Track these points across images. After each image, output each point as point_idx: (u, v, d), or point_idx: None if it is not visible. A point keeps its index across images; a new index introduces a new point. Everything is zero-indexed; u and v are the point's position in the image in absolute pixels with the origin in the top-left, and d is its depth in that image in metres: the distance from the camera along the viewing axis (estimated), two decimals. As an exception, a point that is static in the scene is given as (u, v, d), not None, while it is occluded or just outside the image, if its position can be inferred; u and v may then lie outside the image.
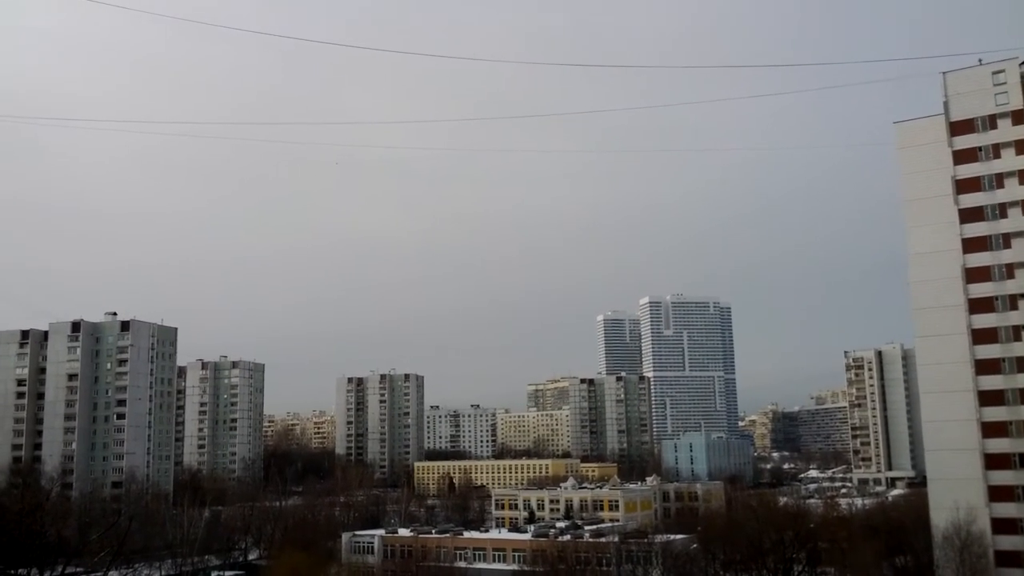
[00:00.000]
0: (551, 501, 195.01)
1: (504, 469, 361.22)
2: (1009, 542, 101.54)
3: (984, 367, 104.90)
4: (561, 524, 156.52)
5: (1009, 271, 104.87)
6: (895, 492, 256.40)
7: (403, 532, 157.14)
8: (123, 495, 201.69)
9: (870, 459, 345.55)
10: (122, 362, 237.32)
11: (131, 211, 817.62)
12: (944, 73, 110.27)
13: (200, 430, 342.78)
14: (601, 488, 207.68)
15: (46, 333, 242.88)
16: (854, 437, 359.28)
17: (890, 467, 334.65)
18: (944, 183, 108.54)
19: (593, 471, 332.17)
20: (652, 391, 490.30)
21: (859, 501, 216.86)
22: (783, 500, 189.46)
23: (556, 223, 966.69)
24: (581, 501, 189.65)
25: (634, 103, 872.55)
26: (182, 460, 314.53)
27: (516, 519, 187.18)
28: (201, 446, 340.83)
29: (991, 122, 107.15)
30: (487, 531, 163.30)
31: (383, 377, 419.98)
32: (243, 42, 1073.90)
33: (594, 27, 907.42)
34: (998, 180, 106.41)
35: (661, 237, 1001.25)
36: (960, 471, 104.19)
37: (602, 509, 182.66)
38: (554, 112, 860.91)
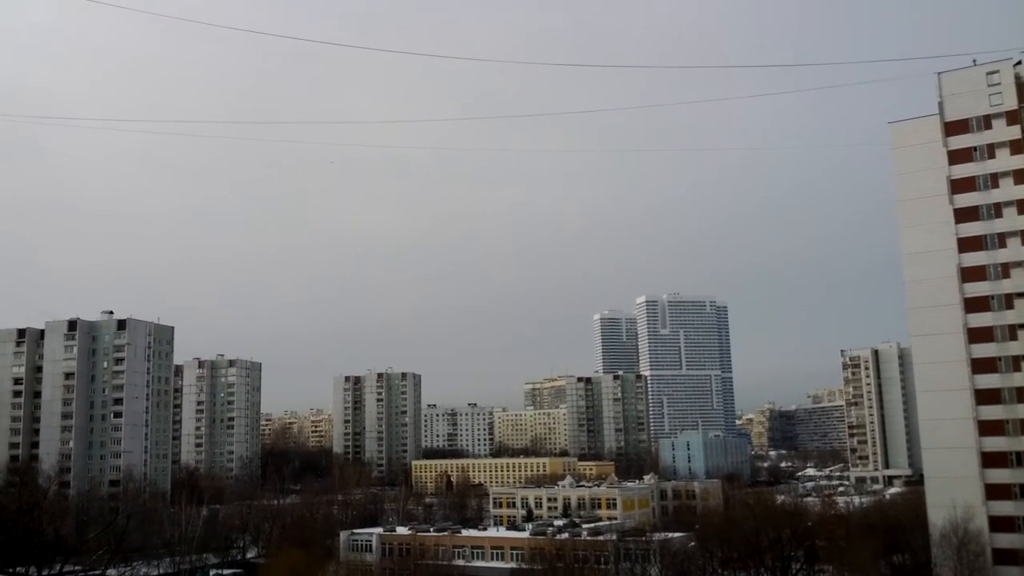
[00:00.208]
0: (549, 499, 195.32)
1: (502, 468, 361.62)
2: (1006, 540, 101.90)
3: (980, 366, 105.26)
4: (559, 522, 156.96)
5: (1004, 270, 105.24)
6: (892, 490, 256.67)
7: (401, 530, 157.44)
8: (121, 494, 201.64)
9: (867, 457, 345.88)
10: (119, 361, 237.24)
11: (127, 209, 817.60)
12: (939, 74, 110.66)
13: (197, 429, 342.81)
14: (599, 486, 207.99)
15: (42, 332, 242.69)
16: (851, 435, 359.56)
17: (887, 465, 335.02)
18: (939, 183, 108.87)
19: (591, 469, 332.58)
20: (649, 390, 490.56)
21: (856, 499, 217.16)
22: (780, 498, 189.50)
23: (554, 222, 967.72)
24: (579, 499, 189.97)
25: (633, 103, 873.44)
26: (179, 459, 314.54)
27: (514, 517, 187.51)
28: (198, 445, 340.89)
29: (986, 122, 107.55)
30: (485, 529, 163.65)
31: (380, 376, 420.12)
32: (238, 41, 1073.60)
33: (593, 27, 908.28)
34: (993, 180, 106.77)
35: (659, 236, 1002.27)
36: (957, 469, 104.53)
37: (600, 507, 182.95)
38: (552, 112, 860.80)
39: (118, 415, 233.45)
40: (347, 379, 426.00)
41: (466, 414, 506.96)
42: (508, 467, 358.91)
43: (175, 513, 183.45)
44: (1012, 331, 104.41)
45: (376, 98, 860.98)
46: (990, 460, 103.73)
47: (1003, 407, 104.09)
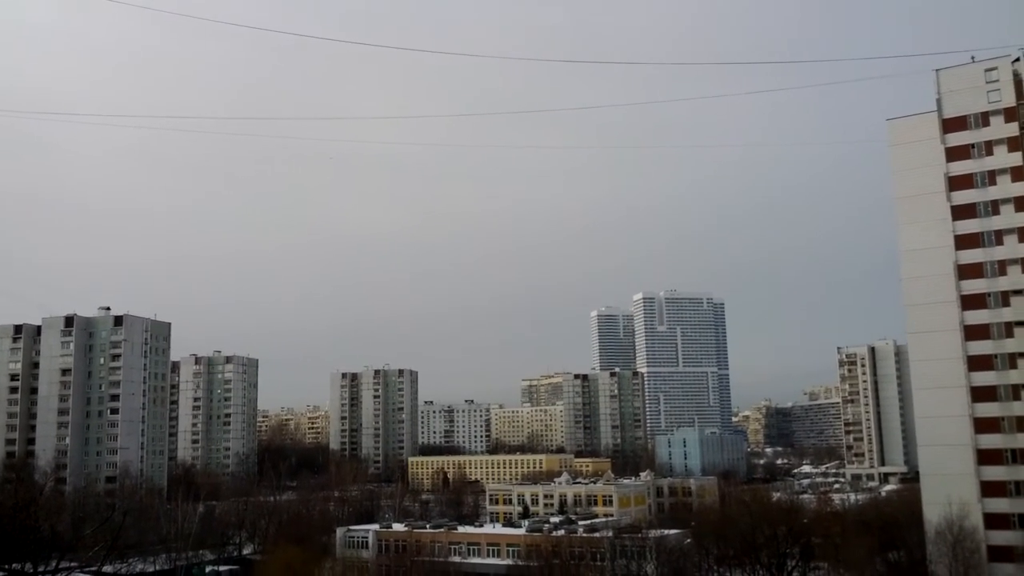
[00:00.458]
0: (545, 496, 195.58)
1: (498, 464, 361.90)
2: (1001, 537, 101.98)
3: (976, 363, 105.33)
4: (555, 519, 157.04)
5: (1001, 267, 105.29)
6: (888, 487, 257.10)
7: (397, 527, 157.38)
8: (117, 490, 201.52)
9: (863, 455, 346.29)
10: (115, 357, 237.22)
11: (125, 206, 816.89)
12: (937, 70, 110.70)
13: (194, 425, 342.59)
14: (595, 483, 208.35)
15: (39, 328, 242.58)
16: (847, 433, 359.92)
17: (883, 462, 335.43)
18: (936, 180, 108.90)
19: (587, 466, 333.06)
20: (646, 387, 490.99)
21: (852, 496, 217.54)
22: (776, 495, 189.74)
23: (552, 220, 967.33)
24: (575, 496, 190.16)
25: (631, 100, 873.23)
26: (176, 455, 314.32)
27: (510, 514, 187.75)
28: (195, 441, 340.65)
29: (984, 119, 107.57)
30: (481, 526, 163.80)
31: (377, 372, 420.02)
32: (237, 38, 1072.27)
33: (592, 24, 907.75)
34: (990, 177, 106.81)
35: (656, 234, 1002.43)
36: (953, 467, 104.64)
37: (596, 504, 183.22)
38: (550, 108, 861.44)
39: (114, 411, 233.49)
40: (344, 376, 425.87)
41: (463, 411, 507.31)
42: (505, 464, 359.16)
43: (171, 509, 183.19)
44: (1008, 328, 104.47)
45: (375, 95, 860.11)
46: (985, 457, 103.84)
47: (999, 404, 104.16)
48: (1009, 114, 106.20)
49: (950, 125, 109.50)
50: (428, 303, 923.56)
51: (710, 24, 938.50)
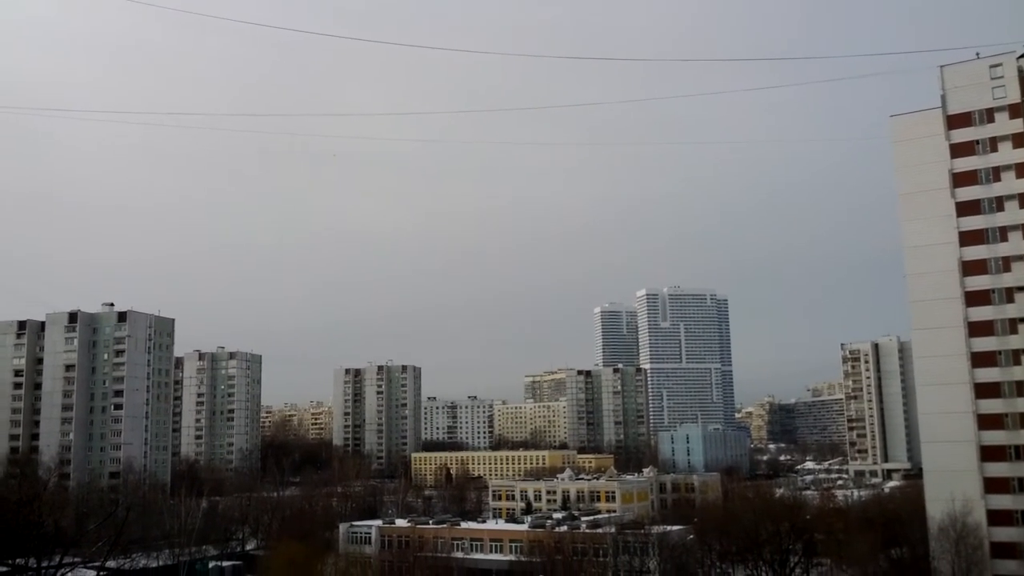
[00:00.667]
0: (548, 492, 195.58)
1: (501, 460, 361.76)
2: (1004, 534, 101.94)
3: (980, 360, 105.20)
4: (558, 515, 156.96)
5: (1006, 264, 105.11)
6: (891, 484, 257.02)
7: (400, 523, 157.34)
8: (120, 485, 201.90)
9: (866, 451, 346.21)
10: (119, 353, 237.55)
11: (128, 202, 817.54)
12: (941, 67, 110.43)
13: (197, 421, 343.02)
14: (598, 479, 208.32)
15: (43, 324, 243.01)
16: (850, 429, 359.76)
17: (886, 459, 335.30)
18: (940, 176, 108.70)
19: (590, 462, 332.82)
20: (649, 383, 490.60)
21: (855, 493, 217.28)
22: (779, 492, 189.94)
23: (554, 216, 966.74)
24: (578, 492, 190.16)
25: (632, 97, 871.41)
26: (179, 451, 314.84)
27: (513, 510, 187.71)
28: (198, 437, 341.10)
29: (988, 116, 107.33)
30: (484, 522, 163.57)
31: (380, 368, 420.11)
32: (238, 34, 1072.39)
33: (594, 21, 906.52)
34: (995, 173, 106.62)
35: (660, 230, 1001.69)
36: (956, 463, 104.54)
37: (599, 500, 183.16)
38: (551, 105, 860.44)
39: (118, 407, 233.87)
40: (347, 371, 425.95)
41: (466, 407, 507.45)
42: (507, 460, 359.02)
43: (175, 505, 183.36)
44: (1012, 325, 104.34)
45: (376, 92, 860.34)
46: (989, 454, 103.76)
47: (1003, 401, 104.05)
48: (1014, 110, 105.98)
49: (954, 121, 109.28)
50: (431, 299, 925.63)
51: (711, 21, 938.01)
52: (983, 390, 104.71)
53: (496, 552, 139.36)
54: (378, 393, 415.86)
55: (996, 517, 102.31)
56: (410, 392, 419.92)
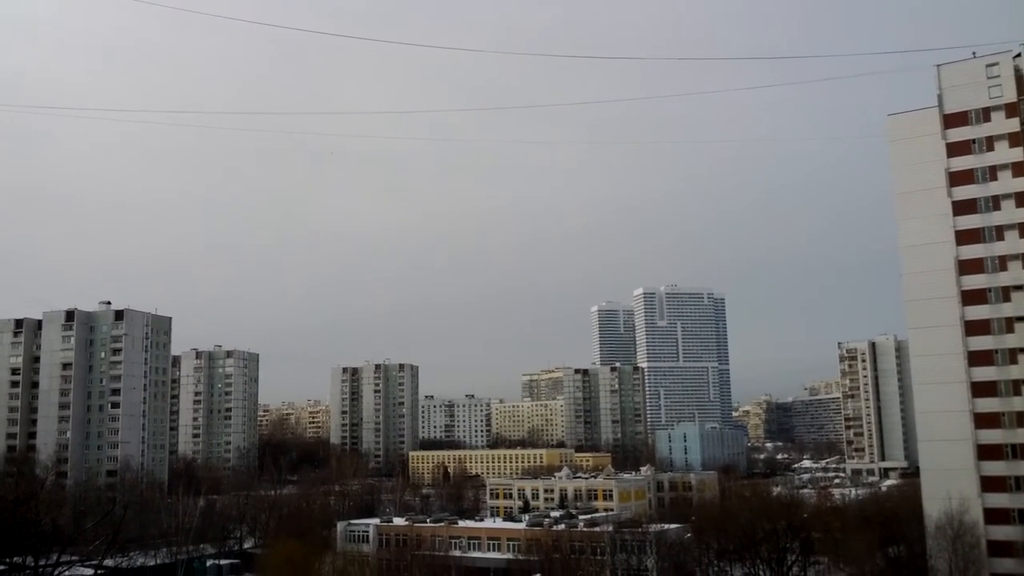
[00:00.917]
0: (546, 491, 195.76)
1: (499, 459, 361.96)
2: (1001, 532, 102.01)
3: (977, 358, 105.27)
4: (555, 513, 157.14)
5: (1002, 263, 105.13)
6: (888, 482, 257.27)
7: (398, 521, 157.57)
8: (118, 484, 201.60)
9: (863, 449, 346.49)
10: (116, 351, 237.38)
11: (125, 200, 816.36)
12: (938, 66, 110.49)
13: (195, 419, 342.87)
14: (595, 478, 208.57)
15: (40, 322, 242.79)
16: (847, 428, 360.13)
17: (883, 457, 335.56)
18: (937, 175, 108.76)
19: (587, 461, 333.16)
20: (646, 381, 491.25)
21: (852, 491, 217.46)
22: (777, 490, 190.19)
23: (552, 215, 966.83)
24: (575, 491, 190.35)
25: (631, 95, 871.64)
26: (177, 449, 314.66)
27: (511, 508, 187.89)
28: (196, 435, 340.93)
29: (985, 115, 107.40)
30: (482, 520, 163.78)
31: (378, 367, 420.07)
32: (236, 32, 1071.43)
33: (592, 20, 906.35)
34: (991, 172, 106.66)
35: (657, 229, 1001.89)
36: (953, 462, 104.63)
37: (596, 499, 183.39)
38: (551, 104, 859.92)
39: (115, 405, 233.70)
40: (345, 370, 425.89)
41: (463, 405, 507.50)
42: (505, 458, 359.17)
43: (172, 503, 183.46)
44: (1009, 324, 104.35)
45: (375, 91, 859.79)
46: (986, 453, 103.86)
47: (999, 400, 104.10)
48: (1010, 109, 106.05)
49: (951, 120, 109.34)
50: (429, 298, 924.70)
51: (708, 21, 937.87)
52: (980, 389, 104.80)
53: (494, 550, 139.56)
54: (376, 392, 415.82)
55: (993, 515, 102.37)
56: (407, 391, 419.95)
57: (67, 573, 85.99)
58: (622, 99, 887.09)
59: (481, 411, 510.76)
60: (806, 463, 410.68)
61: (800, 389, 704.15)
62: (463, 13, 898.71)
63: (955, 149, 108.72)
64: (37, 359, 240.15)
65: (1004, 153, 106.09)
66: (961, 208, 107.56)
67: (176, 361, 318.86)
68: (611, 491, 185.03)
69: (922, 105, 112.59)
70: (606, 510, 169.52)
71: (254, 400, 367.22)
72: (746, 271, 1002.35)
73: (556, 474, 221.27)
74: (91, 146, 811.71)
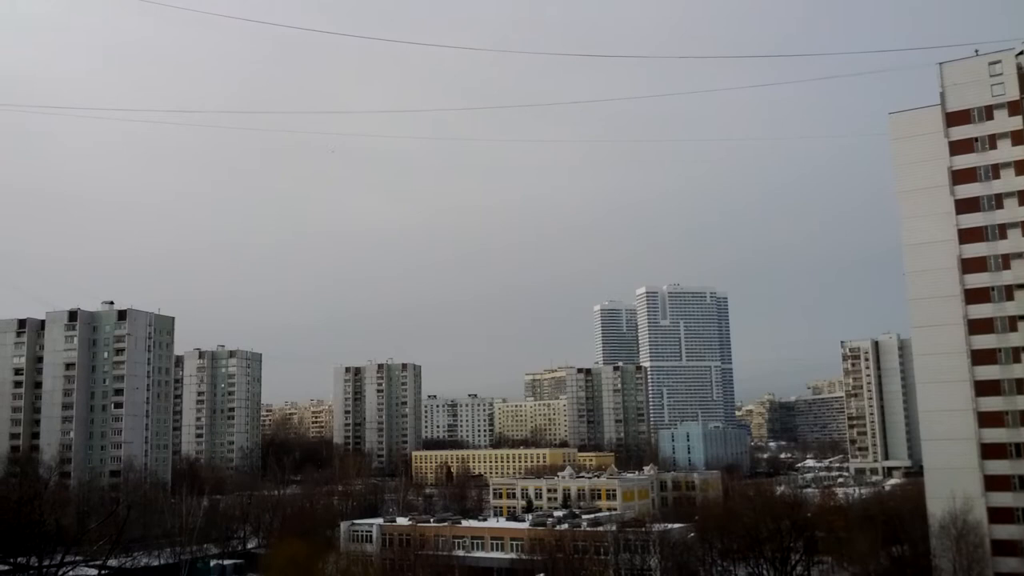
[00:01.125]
0: (549, 490, 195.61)
1: (502, 458, 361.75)
2: (1005, 531, 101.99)
3: (980, 357, 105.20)
4: (559, 513, 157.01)
5: (1005, 261, 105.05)
6: (892, 481, 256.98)
7: (401, 521, 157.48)
8: (121, 484, 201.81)
9: (867, 449, 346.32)
10: (119, 351, 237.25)
11: (127, 199, 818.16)
12: (940, 64, 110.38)
13: (198, 419, 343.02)
14: (598, 477, 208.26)
15: (43, 322, 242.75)
16: (851, 427, 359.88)
17: (887, 456, 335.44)
18: (940, 174, 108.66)
19: (590, 460, 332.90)
20: (649, 381, 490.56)
21: (856, 490, 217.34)
22: (780, 489, 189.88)
23: (554, 213, 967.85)
24: (579, 490, 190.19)
25: (633, 93, 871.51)
26: (180, 449, 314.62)
27: (514, 508, 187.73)
28: (199, 435, 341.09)
29: (987, 113, 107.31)
30: (485, 520, 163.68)
31: (380, 367, 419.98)
32: (236, 30, 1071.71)
33: (594, 18, 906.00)
34: (994, 171, 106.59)
35: (659, 228, 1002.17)
36: (956, 461, 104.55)
37: (599, 498, 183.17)
38: (551, 102, 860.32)
39: (119, 406, 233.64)
40: (347, 370, 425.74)
41: (466, 405, 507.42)
42: (508, 458, 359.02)
43: (176, 504, 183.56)
44: (1012, 322, 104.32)
45: (379, 89, 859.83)
46: (989, 451, 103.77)
47: (1003, 399, 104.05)
48: (1013, 107, 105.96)
49: (953, 119, 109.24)
50: (431, 297, 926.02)
51: (708, 19, 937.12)
52: (983, 388, 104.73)
53: (497, 550, 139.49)
54: (378, 391, 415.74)
55: (997, 515, 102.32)
56: (410, 390, 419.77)
57: (71, 573, 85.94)
58: (624, 97, 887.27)
59: (484, 410, 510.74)
60: (809, 462, 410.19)
61: (803, 388, 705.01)
62: (463, 11, 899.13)
63: (958, 147, 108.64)
64: (40, 359, 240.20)
65: (1007, 151, 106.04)
66: (964, 206, 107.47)
67: (179, 361, 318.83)
68: (614, 491, 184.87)
69: (922, 103, 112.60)
70: (609, 510, 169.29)
71: (257, 400, 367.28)
72: (749, 269, 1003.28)
73: (559, 474, 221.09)
74: (93, 146, 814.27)
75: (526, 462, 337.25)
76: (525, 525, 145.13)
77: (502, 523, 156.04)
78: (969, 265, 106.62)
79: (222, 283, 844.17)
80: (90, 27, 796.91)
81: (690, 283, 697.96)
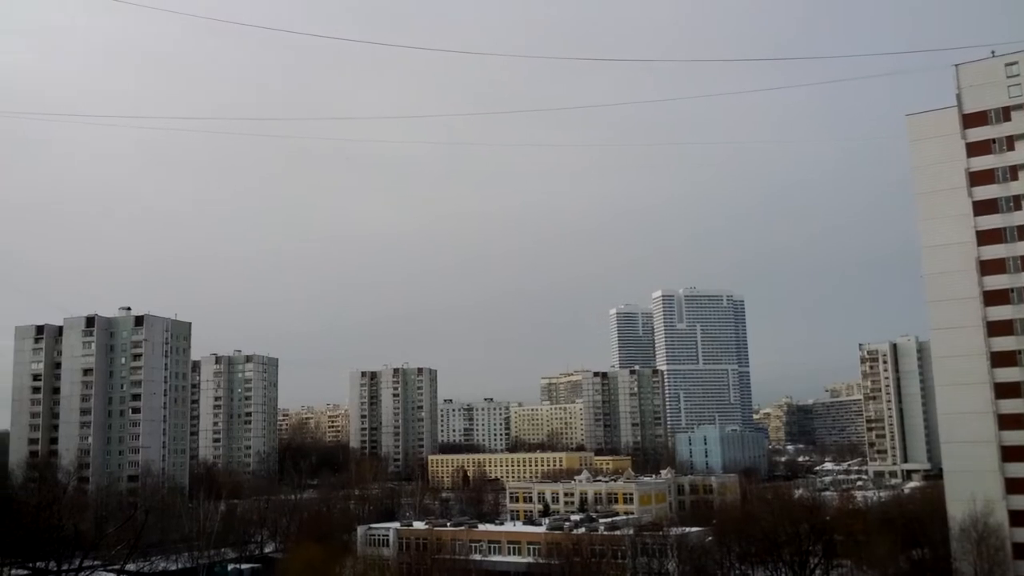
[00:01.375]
0: (565, 494, 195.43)
1: (518, 462, 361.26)
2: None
3: (1000, 359, 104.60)
4: (576, 517, 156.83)
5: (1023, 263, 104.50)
6: (911, 485, 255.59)
7: (418, 525, 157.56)
8: (139, 489, 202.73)
9: (885, 452, 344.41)
10: (137, 357, 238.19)
11: (144, 207, 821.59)
12: (957, 65, 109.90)
13: (215, 424, 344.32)
14: (615, 481, 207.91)
15: (61, 328, 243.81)
16: (869, 430, 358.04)
17: (906, 459, 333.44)
18: (957, 176, 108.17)
19: (607, 464, 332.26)
20: (666, 384, 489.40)
21: (875, 494, 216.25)
22: (798, 493, 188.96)
23: (570, 217, 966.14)
24: (595, 494, 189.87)
25: (644, 97, 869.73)
26: (197, 454, 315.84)
27: (530, 512, 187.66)
28: (216, 440, 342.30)
29: (1005, 114, 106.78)
30: (502, 524, 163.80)
31: (396, 371, 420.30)
32: (250, 38, 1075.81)
33: (601, 22, 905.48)
34: (1012, 172, 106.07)
35: (675, 231, 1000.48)
36: (977, 463, 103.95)
37: (616, 502, 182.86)
38: (556, 107, 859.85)
39: (136, 411, 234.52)
40: (363, 374, 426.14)
41: (482, 409, 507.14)
42: (524, 462, 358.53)
43: (193, 508, 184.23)
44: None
45: (388, 95, 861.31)
46: (1010, 454, 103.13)
47: (1023, 401, 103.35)
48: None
49: (970, 120, 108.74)
50: (447, 301, 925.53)
51: (713, 23, 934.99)
52: (1003, 390, 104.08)
53: (514, 554, 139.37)
54: (394, 396, 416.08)
55: (1018, 518, 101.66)
56: (426, 394, 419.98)
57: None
58: (630, 102, 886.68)
59: (500, 414, 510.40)
60: (828, 465, 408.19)
61: (821, 391, 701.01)
62: (467, 17, 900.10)
63: (975, 149, 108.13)
64: (58, 365, 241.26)
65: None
66: (982, 208, 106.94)
67: (196, 366, 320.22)
68: (631, 494, 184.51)
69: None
70: (626, 513, 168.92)
71: (273, 404, 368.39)
72: (764, 272, 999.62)
73: (576, 477, 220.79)
74: (108, 153, 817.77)
75: (542, 466, 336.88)
76: (542, 529, 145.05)
77: (519, 527, 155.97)
78: (987, 267, 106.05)
79: (238, 288, 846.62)
80: (105, 34, 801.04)
81: (706, 286, 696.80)
